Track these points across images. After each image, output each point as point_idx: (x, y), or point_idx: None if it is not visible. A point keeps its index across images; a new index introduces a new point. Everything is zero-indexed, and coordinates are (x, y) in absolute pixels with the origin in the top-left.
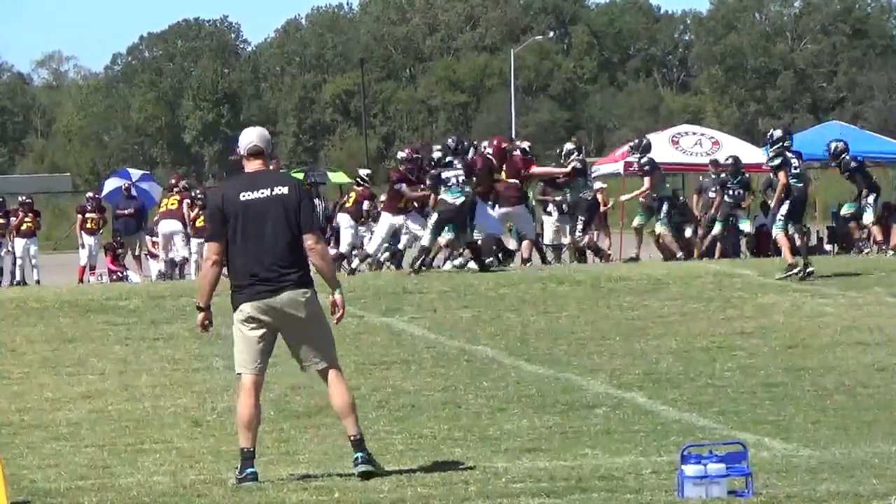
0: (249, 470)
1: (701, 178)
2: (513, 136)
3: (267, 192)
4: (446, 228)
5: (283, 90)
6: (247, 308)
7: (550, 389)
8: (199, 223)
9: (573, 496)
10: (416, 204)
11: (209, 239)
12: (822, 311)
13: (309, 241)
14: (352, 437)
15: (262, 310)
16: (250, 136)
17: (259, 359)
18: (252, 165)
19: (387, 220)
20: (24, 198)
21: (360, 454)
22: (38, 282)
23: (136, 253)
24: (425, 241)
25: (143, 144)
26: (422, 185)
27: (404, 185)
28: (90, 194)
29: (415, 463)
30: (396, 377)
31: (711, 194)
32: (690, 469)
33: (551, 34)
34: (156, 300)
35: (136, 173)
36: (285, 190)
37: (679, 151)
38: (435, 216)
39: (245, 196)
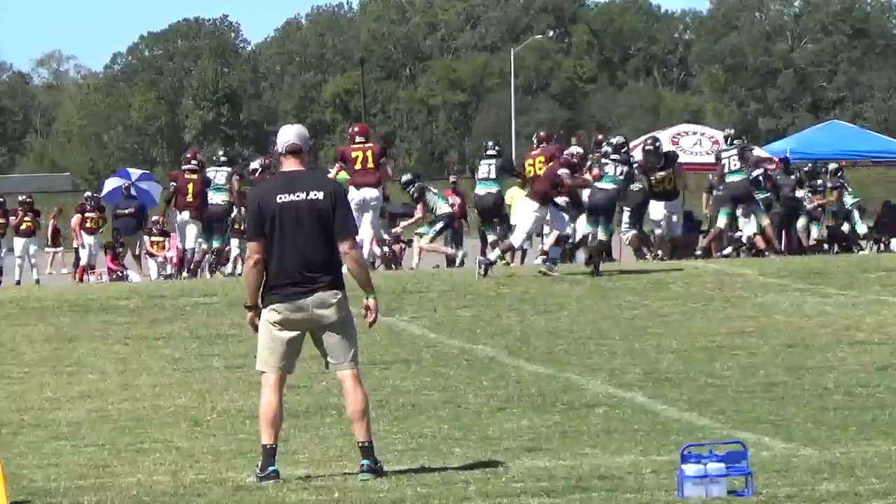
0: (271, 468)
1: (711, 176)
2: (512, 135)
3: (302, 196)
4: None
5: (282, 90)
6: (279, 309)
7: (550, 389)
8: None
9: (573, 496)
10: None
11: (249, 238)
12: (822, 310)
13: (344, 246)
14: (360, 443)
15: (292, 310)
16: (288, 134)
17: (285, 359)
18: (289, 164)
19: (533, 210)
20: (23, 197)
21: (365, 462)
22: (37, 281)
23: (136, 252)
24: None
25: (142, 144)
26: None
27: (566, 171)
28: (89, 194)
29: (415, 462)
30: (396, 377)
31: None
32: (690, 468)
33: (551, 34)
34: (155, 300)
35: (135, 173)
36: (320, 195)
37: (679, 151)
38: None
39: (281, 198)
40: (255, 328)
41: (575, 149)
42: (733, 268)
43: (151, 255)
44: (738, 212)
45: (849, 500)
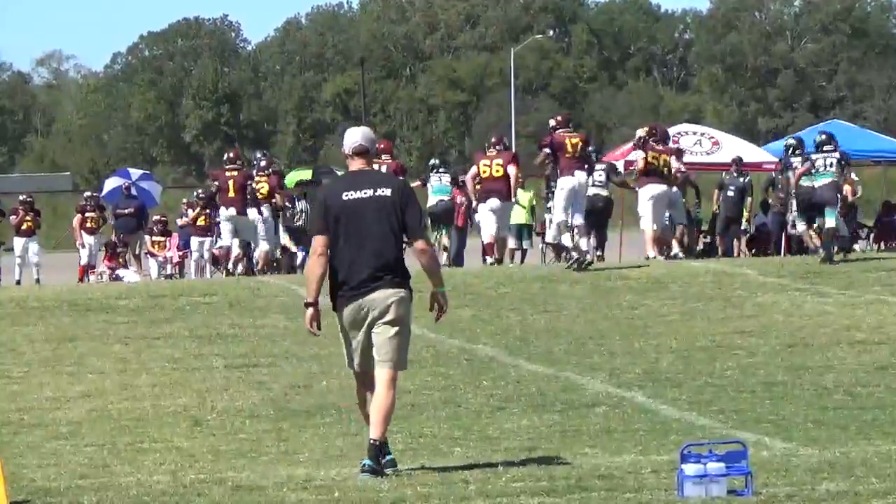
0: (389, 457)
1: (724, 174)
2: (512, 135)
3: (369, 193)
4: None
5: (282, 89)
6: (346, 312)
7: (550, 388)
8: (201, 222)
9: (573, 495)
10: None
11: (314, 233)
12: (822, 310)
13: (418, 244)
14: (371, 440)
15: (357, 309)
16: (355, 136)
17: (364, 356)
18: (356, 164)
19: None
20: (24, 196)
21: (368, 462)
22: (37, 281)
23: (136, 252)
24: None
25: (142, 143)
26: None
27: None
28: (89, 193)
29: (415, 462)
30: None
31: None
32: (690, 468)
33: (551, 33)
34: (155, 299)
35: (135, 173)
36: (388, 191)
37: None
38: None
39: (347, 195)
40: (313, 324)
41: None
42: (733, 268)
43: (152, 255)
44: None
45: (848, 499)
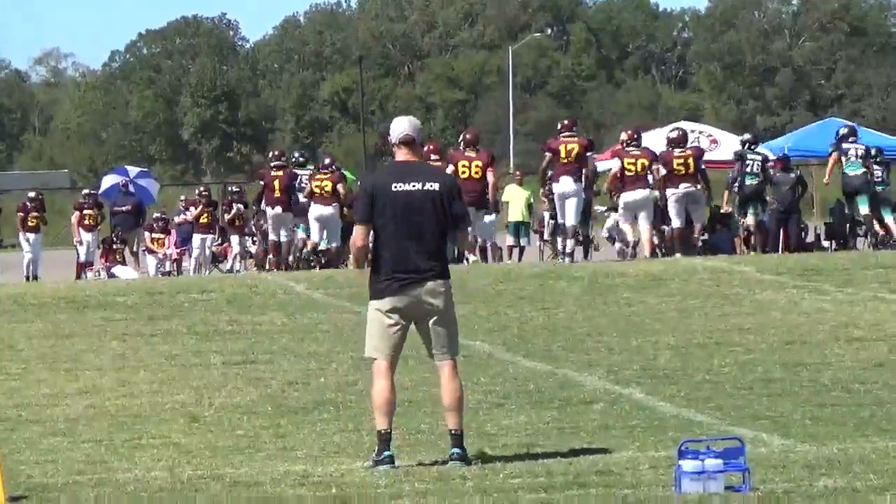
0: (386, 453)
1: (772, 171)
2: (510, 133)
3: (418, 186)
4: None
5: (281, 87)
6: (390, 300)
7: (548, 385)
8: (204, 220)
9: (571, 492)
10: None
11: (358, 222)
12: (820, 307)
13: (461, 234)
14: (452, 432)
15: (404, 301)
16: (402, 125)
17: (394, 346)
18: (402, 154)
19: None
20: (33, 194)
21: (456, 450)
22: (35, 278)
23: (134, 249)
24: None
25: (140, 141)
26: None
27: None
28: (87, 191)
29: (412, 458)
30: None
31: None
32: (688, 464)
33: (549, 31)
34: (153, 296)
35: (133, 170)
36: (437, 186)
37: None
38: None
39: (397, 187)
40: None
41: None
42: (731, 265)
43: (151, 252)
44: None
45: (846, 496)
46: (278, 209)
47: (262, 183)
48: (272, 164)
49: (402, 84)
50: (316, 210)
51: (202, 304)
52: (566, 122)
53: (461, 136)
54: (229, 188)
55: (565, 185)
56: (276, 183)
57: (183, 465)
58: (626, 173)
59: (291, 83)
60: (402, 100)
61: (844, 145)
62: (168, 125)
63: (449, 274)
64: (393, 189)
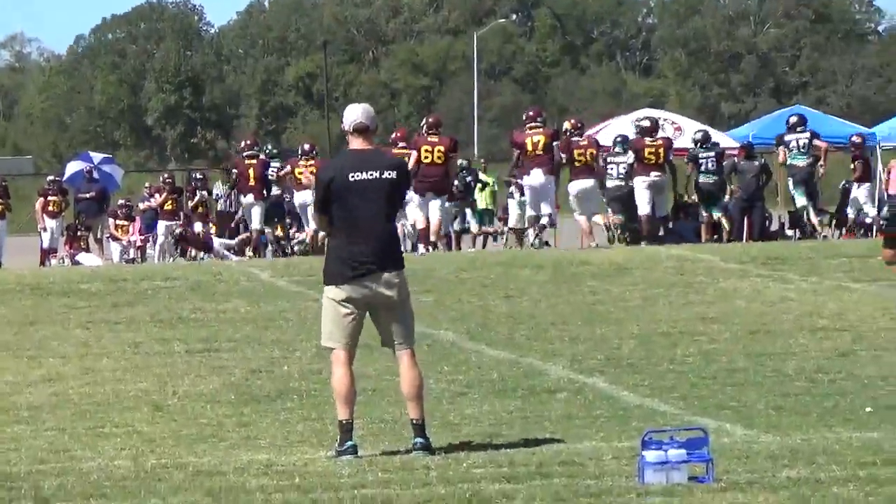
0: (349, 443)
1: (736, 159)
2: (475, 119)
3: (375, 175)
4: None
5: (245, 73)
6: (346, 288)
7: (512, 374)
8: (168, 206)
9: (534, 482)
10: None
11: (318, 210)
12: (784, 296)
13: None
14: (414, 421)
15: (359, 291)
16: (355, 113)
17: (352, 335)
18: (357, 143)
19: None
20: None
21: (419, 440)
22: None
23: (98, 236)
24: None
25: (104, 127)
26: None
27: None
28: (51, 177)
29: (376, 448)
30: (356, 362)
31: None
32: (651, 455)
33: (514, 17)
34: (117, 283)
35: (97, 156)
36: (394, 174)
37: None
38: None
39: (354, 176)
40: None
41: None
42: (694, 253)
43: (115, 239)
44: None
45: (809, 486)
46: (250, 197)
47: (235, 172)
48: (245, 154)
49: (367, 70)
50: (300, 197)
51: (166, 291)
52: (531, 112)
53: (423, 121)
54: (193, 175)
55: (536, 177)
56: (251, 171)
57: (146, 453)
58: (575, 164)
59: (256, 69)
60: (366, 85)
61: (787, 137)
62: (132, 111)
63: (403, 263)
64: (350, 179)
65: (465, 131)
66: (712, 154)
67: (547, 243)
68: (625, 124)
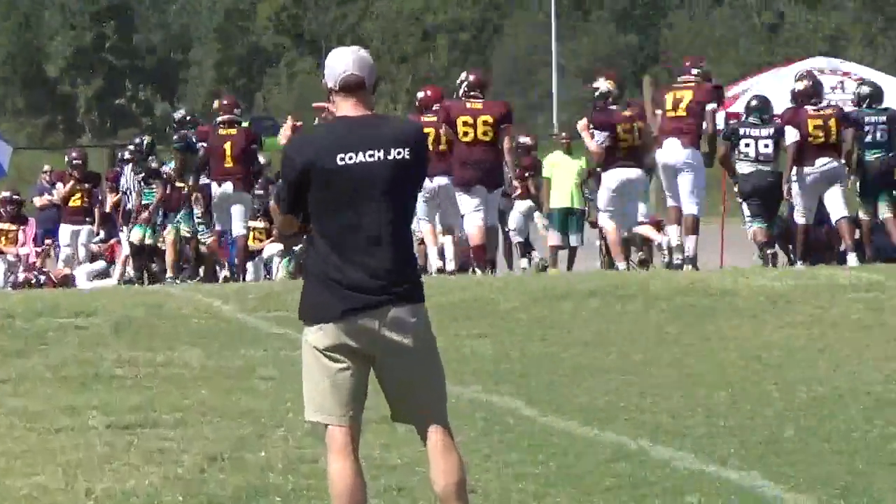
0: None
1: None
2: (553, 74)
3: (379, 154)
4: None
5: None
6: (331, 330)
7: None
8: (76, 203)
9: None
10: None
11: (284, 211)
12: None
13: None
14: None
15: (353, 332)
16: (343, 61)
17: (350, 403)
18: (348, 106)
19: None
20: None
21: None
22: None
23: None
24: None
25: None
26: None
27: None
28: None
29: None
30: (371, 439)
31: None
32: None
33: None
34: (2, 321)
35: None
36: (406, 152)
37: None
38: None
39: (343, 158)
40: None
41: None
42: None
43: None
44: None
45: None
46: (228, 186)
47: (202, 146)
48: (218, 122)
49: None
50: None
51: (77, 333)
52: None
53: (461, 79)
54: (118, 153)
55: (672, 151)
56: (228, 147)
57: None
58: (619, 144)
59: None
60: (382, 19)
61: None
62: (24, 55)
63: (422, 293)
64: (339, 161)
65: (537, 89)
66: (883, 117)
67: (645, 262)
68: (774, 84)
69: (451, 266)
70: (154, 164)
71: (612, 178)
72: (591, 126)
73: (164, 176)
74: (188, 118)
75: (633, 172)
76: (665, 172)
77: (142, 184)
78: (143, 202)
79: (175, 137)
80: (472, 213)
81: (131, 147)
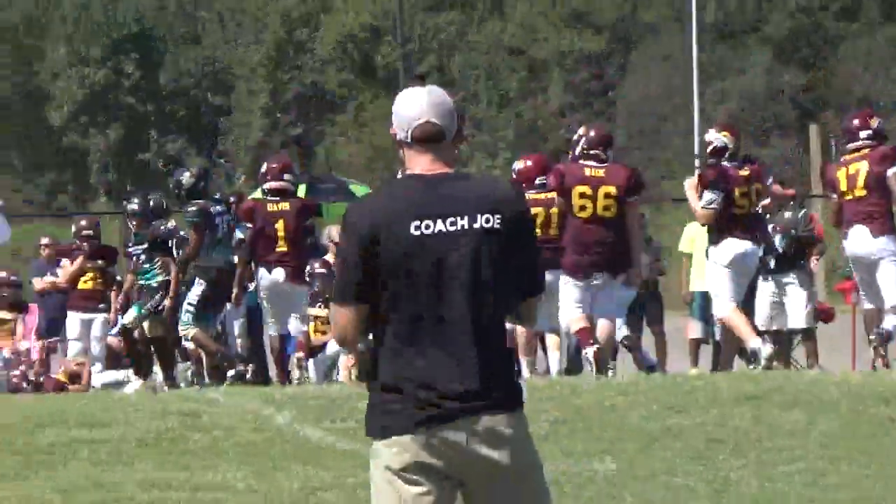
0: None
1: None
2: (694, 120)
3: (462, 223)
4: None
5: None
6: (407, 445)
7: None
8: (86, 284)
9: None
10: None
11: (342, 298)
12: None
13: (526, 324)
14: None
15: (435, 448)
16: (417, 106)
17: None
18: (423, 161)
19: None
20: None
21: None
22: None
23: None
24: None
25: None
26: None
27: None
28: None
29: None
30: None
31: None
32: None
33: None
34: None
35: None
36: (497, 220)
37: None
38: None
39: (420, 227)
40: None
41: None
42: None
43: None
44: None
45: None
46: (279, 273)
47: (247, 226)
48: (267, 189)
49: (479, 21)
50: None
51: (89, 449)
52: (854, 121)
53: (577, 135)
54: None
55: (861, 241)
56: (280, 225)
57: None
58: (735, 210)
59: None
60: (477, 49)
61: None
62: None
63: (521, 396)
64: (412, 232)
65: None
66: None
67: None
68: None
69: (555, 368)
70: (163, 228)
71: (724, 252)
72: (699, 186)
73: (173, 254)
74: (230, 199)
75: (747, 246)
76: (857, 266)
77: (142, 258)
78: (141, 282)
79: (192, 209)
80: (573, 307)
81: (134, 205)
